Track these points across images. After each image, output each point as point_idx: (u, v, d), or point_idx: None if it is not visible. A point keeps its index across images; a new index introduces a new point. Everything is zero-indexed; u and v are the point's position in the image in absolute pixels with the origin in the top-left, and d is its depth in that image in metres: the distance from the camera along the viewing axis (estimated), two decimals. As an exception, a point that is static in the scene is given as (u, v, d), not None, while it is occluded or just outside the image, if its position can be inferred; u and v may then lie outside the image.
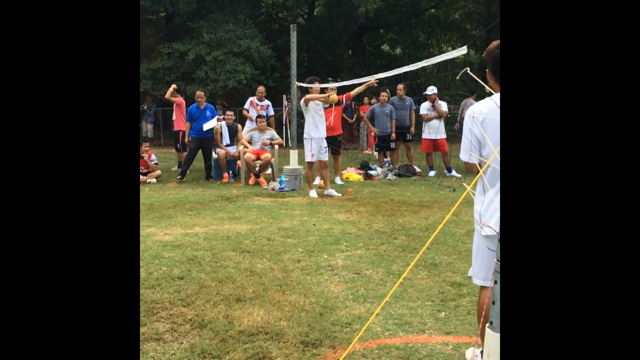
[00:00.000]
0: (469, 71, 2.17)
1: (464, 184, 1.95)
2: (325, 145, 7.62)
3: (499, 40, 2.33)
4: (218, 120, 9.59)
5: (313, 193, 7.54)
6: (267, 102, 10.25)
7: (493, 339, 1.68)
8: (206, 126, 9.02)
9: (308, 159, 7.54)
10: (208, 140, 9.26)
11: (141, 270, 3.98)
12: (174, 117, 10.58)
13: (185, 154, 9.66)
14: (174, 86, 10.38)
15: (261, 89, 10.48)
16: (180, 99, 10.40)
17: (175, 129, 10.38)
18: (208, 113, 9.16)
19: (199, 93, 9.35)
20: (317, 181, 8.30)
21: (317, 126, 7.49)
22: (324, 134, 7.57)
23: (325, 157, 7.66)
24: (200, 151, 9.37)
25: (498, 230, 1.71)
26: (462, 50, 4.21)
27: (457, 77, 3.27)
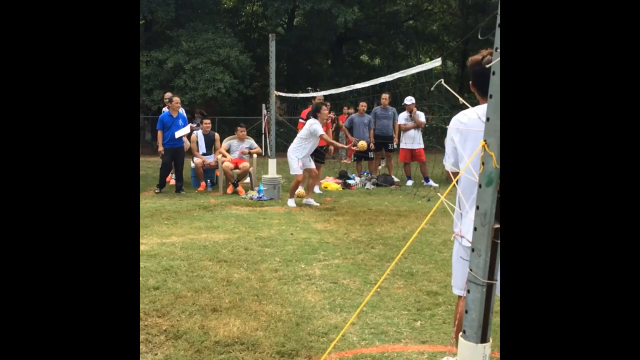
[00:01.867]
0: (443, 83, 2.20)
1: (439, 193, 1.97)
2: (310, 159, 7.64)
3: (481, 54, 2.37)
4: (191, 128, 9.44)
5: (291, 202, 7.52)
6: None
7: (466, 347, 1.69)
8: (178, 133, 8.69)
9: (297, 171, 7.41)
10: (181, 150, 8.90)
11: (115, 280, 3.92)
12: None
13: None
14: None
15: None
16: None
17: None
18: (180, 122, 8.82)
19: (176, 99, 9.01)
20: (300, 189, 8.30)
21: (308, 151, 7.46)
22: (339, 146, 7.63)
23: (311, 164, 7.63)
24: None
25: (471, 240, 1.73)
26: (437, 62, 4.31)
27: (432, 89, 3.32)
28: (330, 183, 9.55)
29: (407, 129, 9.74)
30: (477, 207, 1.64)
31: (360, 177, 10.09)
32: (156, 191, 8.74)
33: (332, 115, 7.77)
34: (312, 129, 7.32)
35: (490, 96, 1.58)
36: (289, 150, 7.53)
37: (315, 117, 7.41)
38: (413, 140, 9.69)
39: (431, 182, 9.56)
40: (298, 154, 7.40)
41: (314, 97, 7.70)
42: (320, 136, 7.36)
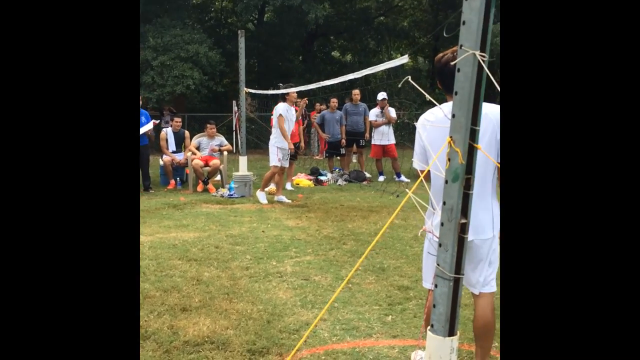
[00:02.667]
0: (410, 80, 2.21)
1: (407, 189, 1.98)
2: (289, 153, 7.67)
3: (447, 51, 2.40)
4: (154, 124, 9.26)
5: (262, 198, 7.48)
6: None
7: (434, 341, 1.70)
8: (142, 130, 8.44)
9: (274, 163, 7.46)
10: (145, 148, 8.65)
11: (82, 281, 3.84)
12: None
13: None
14: None
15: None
16: None
17: None
18: (143, 119, 8.59)
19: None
20: (272, 186, 8.27)
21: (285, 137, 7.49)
22: (289, 146, 7.56)
23: (287, 164, 7.72)
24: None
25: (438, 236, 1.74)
26: (404, 59, 4.37)
27: (399, 85, 3.34)
28: (302, 179, 9.54)
29: (378, 125, 9.79)
30: (444, 203, 1.65)
31: (332, 173, 10.11)
32: None
33: (303, 102, 7.86)
34: (276, 112, 7.46)
35: (456, 93, 1.59)
36: (269, 143, 7.59)
37: (284, 100, 7.54)
38: (384, 137, 9.75)
39: (403, 178, 9.64)
40: (277, 142, 7.44)
41: (286, 94, 7.67)
42: (279, 117, 7.42)
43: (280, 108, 7.47)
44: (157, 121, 9.92)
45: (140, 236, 5.34)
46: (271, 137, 7.57)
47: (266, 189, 8.03)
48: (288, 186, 8.79)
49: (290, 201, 7.52)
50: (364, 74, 5.61)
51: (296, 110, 7.81)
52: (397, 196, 7.54)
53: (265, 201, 7.43)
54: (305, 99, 8.31)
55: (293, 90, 7.68)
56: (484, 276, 2.41)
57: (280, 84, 9.52)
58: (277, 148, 7.43)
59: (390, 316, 3.31)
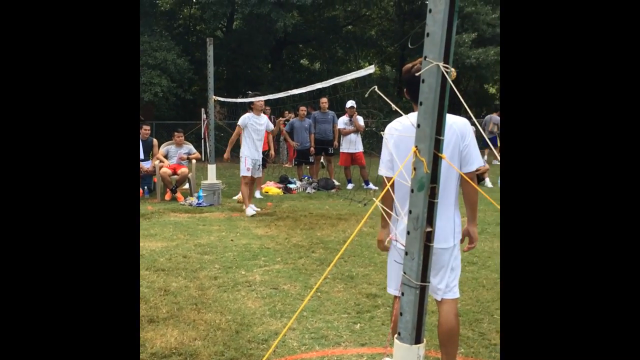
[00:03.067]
0: (376, 89, 2.24)
1: (374, 198, 2.01)
2: (260, 163, 7.60)
3: (416, 61, 2.44)
4: None
5: (250, 210, 7.18)
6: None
7: (401, 349, 1.72)
8: None
9: (244, 172, 7.39)
10: None
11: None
12: None
13: None
14: None
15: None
16: None
17: None
18: None
19: None
20: (238, 196, 8.21)
21: (255, 146, 7.43)
22: (259, 155, 7.50)
23: (259, 174, 7.68)
24: None
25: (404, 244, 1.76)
26: (370, 69, 4.45)
27: (366, 95, 3.38)
28: (272, 187, 9.51)
29: (346, 133, 9.85)
30: (410, 212, 1.67)
31: (301, 181, 10.11)
32: None
33: (279, 121, 8.02)
34: (240, 120, 7.43)
35: (421, 103, 1.62)
36: (240, 152, 7.53)
37: (251, 109, 7.52)
38: (352, 145, 9.81)
39: (371, 185, 9.70)
40: (245, 151, 7.38)
41: (251, 103, 7.65)
42: (237, 126, 7.43)
43: (242, 117, 7.46)
44: None
45: (106, 246, 5.24)
46: (241, 146, 7.53)
47: (234, 198, 7.97)
48: (257, 194, 8.75)
49: (259, 209, 7.47)
50: (332, 83, 5.64)
51: (274, 121, 7.77)
52: (365, 204, 7.59)
53: (253, 212, 7.19)
54: (281, 119, 8.34)
55: (258, 99, 7.62)
56: (446, 282, 2.44)
57: (249, 92, 9.51)
58: (245, 157, 7.40)
59: (359, 324, 3.32)
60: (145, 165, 8.97)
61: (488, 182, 10.03)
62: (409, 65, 2.43)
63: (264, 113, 8.23)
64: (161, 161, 8.73)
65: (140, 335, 3.09)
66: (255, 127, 7.41)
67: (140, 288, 3.95)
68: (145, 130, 9.29)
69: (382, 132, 2.53)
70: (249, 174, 7.40)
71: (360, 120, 10.00)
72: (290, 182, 9.89)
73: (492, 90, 25.24)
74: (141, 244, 5.36)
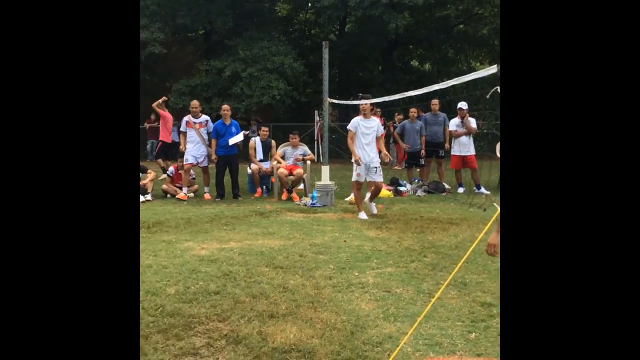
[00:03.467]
0: (499, 90, 2.24)
1: (494, 203, 2.03)
2: (375, 166, 7.37)
3: None
4: (244, 134, 9.66)
5: (362, 215, 7.26)
6: (204, 117, 9.32)
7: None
8: (232, 141, 8.87)
9: (354, 178, 7.39)
10: (234, 157, 9.10)
11: (179, 284, 4.13)
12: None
13: (159, 160, 10.89)
14: (164, 98, 10.74)
15: (195, 103, 9.45)
16: (165, 114, 10.58)
17: (160, 138, 10.84)
18: (233, 129, 9.00)
19: (226, 106, 9.22)
20: (350, 197, 8.34)
21: (365, 150, 7.30)
22: (370, 158, 7.32)
23: (377, 177, 7.43)
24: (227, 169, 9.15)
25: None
26: (492, 70, 4.29)
27: (487, 96, 3.34)
28: (382, 190, 9.57)
29: (458, 135, 9.66)
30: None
31: (411, 184, 10.07)
32: (217, 200, 8.92)
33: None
34: (350, 124, 7.40)
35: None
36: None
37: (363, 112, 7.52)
38: (464, 147, 9.60)
39: (482, 190, 9.43)
40: (353, 157, 7.36)
41: (358, 106, 7.73)
42: (349, 130, 7.40)
43: (351, 122, 7.44)
44: (247, 132, 10.38)
45: (231, 242, 5.63)
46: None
47: (346, 199, 8.10)
48: (366, 198, 8.84)
49: (375, 212, 7.50)
50: (450, 84, 5.58)
51: (384, 123, 7.73)
52: (485, 210, 7.41)
53: (365, 217, 7.23)
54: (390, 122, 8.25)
55: (363, 102, 7.55)
56: None
57: (360, 94, 9.64)
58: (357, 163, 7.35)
59: (474, 333, 3.31)
60: (265, 166, 9.43)
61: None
62: None
63: (375, 115, 8.26)
64: (279, 162, 9.14)
65: (263, 329, 3.31)
66: (362, 130, 7.35)
67: (262, 284, 4.21)
68: (264, 131, 9.76)
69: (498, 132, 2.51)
70: (360, 179, 7.40)
71: (473, 123, 9.76)
72: (401, 185, 9.89)
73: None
74: (261, 242, 5.69)
